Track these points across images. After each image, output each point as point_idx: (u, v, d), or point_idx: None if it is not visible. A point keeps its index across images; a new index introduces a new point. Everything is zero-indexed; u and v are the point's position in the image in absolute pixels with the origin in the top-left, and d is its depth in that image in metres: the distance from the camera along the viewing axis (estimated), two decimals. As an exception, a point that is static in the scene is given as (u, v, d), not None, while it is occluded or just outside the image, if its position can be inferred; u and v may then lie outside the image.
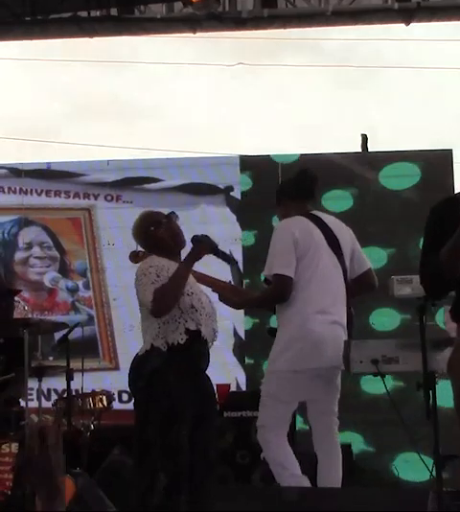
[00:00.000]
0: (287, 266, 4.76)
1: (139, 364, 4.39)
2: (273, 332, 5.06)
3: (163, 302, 4.27)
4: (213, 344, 4.44)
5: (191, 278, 4.42)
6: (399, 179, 8.09)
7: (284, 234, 4.86)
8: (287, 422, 4.89)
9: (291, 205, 5.04)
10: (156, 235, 4.54)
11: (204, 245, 4.41)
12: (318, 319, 4.79)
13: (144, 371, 4.34)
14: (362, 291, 5.13)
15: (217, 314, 4.47)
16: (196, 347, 4.32)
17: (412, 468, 6.52)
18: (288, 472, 4.75)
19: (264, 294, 5.12)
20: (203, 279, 4.95)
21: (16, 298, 6.94)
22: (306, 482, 4.72)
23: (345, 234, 5.06)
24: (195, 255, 4.37)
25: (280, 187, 5.31)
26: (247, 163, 8.27)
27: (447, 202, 3.84)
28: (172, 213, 4.58)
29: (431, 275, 3.59)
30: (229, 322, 7.69)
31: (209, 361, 4.42)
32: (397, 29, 7.88)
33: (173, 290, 4.29)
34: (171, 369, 4.29)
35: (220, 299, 5.01)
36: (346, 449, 5.86)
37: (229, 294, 5.02)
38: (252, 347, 7.77)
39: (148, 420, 4.31)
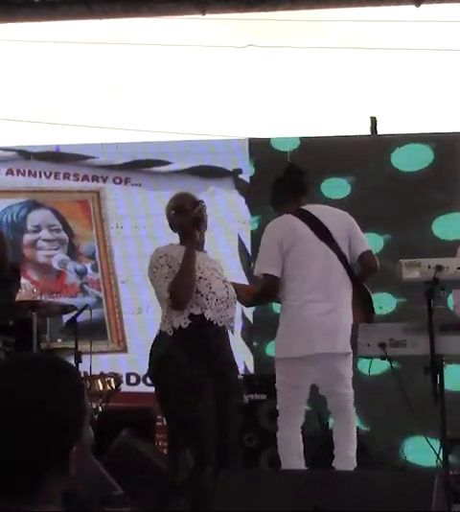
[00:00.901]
0: (273, 265, 5.00)
1: (150, 350, 4.50)
2: None
3: (179, 297, 4.36)
4: (228, 329, 4.51)
5: (202, 263, 4.45)
6: (411, 160, 8.07)
7: (268, 235, 5.11)
8: (298, 406, 4.98)
9: (286, 206, 5.18)
10: (176, 220, 4.56)
11: (186, 222, 4.44)
12: (309, 308, 4.91)
13: (152, 356, 4.41)
14: (365, 275, 5.17)
15: (233, 301, 4.54)
16: (201, 330, 4.34)
17: (420, 452, 6.52)
18: (294, 460, 4.89)
19: (255, 293, 5.33)
20: None
21: (24, 280, 6.94)
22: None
23: (338, 221, 5.14)
24: (191, 237, 4.37)
25: (271, 197, 5.41)
26: (255, 146, 8.25)
27: None
28: (201, 201, 4.58)
29: None
30: (237, 306, 7.69)
31: (224, 344, 4.47)
32: (407, 10, 7.84)
33: (185, 280, 4.35)
34: (177, 352, 4.32)
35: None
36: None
37: (243, 294, 5.21)
38: (260, 331, 7.77)
39: (161, 402, 4.41)
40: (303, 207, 5.15)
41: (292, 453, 4.88)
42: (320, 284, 4.95)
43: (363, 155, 8.14)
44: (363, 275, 5.15)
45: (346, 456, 4.97)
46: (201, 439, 4.30)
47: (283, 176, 5.35)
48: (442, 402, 4.26)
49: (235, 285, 4.91)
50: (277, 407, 5.00)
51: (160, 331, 4.44)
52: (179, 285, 4.34)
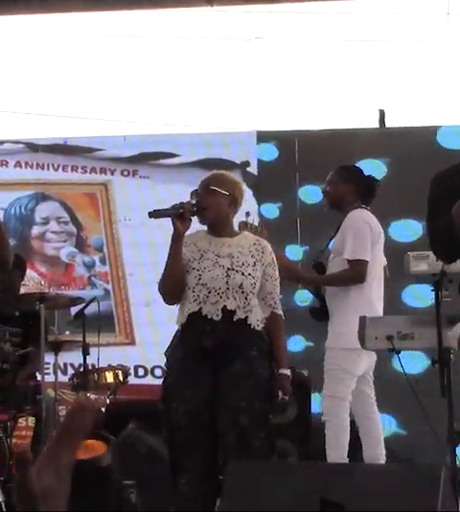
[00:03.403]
0: (368, 251, 5.26)
1: None
2: (315, 311, 5.52)
3: (162, 291, 4.31)
4: (232, 319, 4.18)
5: (207, 250, 4.28)
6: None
7: (364, 223, 5.32)
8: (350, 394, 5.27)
9: (356, 201, 5.44)
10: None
11: (164, 215, 4.27)
12: (378, 306, 5.33)
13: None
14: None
15: (235, 291, 4.20)
16: (195, 326, 4.20)
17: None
18: (344, 455, 5.11)
19: (341, 275, 5.35)
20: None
21: (33, 273, 6.96)
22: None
23: None
24: (174, 229, 4.21)
25: (357, 180, 5.55)
26: (263, 139, 8.24)
27: (452, 171, 3.76)
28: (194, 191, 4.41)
29: (443, 237, 3.35)
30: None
31: (227, 338, 4.16)
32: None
33: (165, 275, 4.26)
34: (170, 350, 4.32)
35: (287, 275, 5.17)
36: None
37: (296, 269, 5.48)
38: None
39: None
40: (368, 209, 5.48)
41: (347, 437, 5.15)
42: (381, 283, 5.39)
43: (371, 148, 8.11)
44: None
45: (369, 457, 5.17)
46: (174, 446, 4.19)
47: (365, 175, 5.58)
48: (449, 394, 4.25)
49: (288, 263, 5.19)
50: (334, 395, 5.18)
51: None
52: (161, 280, 4.27)
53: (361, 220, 5.34)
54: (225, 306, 4.19)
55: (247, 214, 5.65)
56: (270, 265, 4.34)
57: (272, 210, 8.04)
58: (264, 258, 4.32)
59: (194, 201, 4.29)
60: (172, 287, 4.26)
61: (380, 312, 5.34)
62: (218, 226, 4.35)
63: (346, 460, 5.05)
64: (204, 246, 4.30)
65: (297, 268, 5.46)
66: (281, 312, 4.39)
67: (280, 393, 4.21)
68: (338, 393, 5.19)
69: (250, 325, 4.21)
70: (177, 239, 4.20)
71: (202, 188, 4.38)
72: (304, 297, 7.44)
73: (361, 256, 5.23)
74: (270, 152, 8.24)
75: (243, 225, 5.35)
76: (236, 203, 4.42)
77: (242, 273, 4.21)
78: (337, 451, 5.11)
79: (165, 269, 4.25)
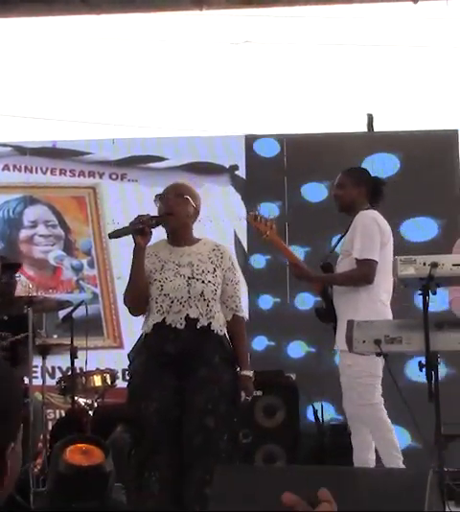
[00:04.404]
0: (376, 251, 5.22)
1: None
2: (321, 312, 5.50)
3: (127, 305, 4.41)
4: (196, 326, 4.24)
5: (167, 260, 4.33)
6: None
7: (374, 223, 5.29)
8: None
9: (367, 203, 5.42)
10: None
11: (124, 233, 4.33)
12: (388, 307, 5.30)
13: None
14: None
15: (197, 299, 4.25)
16: (160, 334, 4.26)
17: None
18: (400, 455, 5.13)
19: (350, 274, 5.33)
20: (278, 243, 5.46)
21: (20, 276, 6.94)
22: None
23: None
24: (135, 244, 4.26)
25: (364, 180, 5.52)
26: (252, 143, 8.25)
27: None
28: (159, 195, 4.48)
29: None
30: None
31: (191, 346, 4.22)
32: (403, 7, 7.84)
33: (129, 290, 4.34)
34: (134, 355, 4.39)
35: (296, 273, 5.36)
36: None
37: (305, 268, 5.40)
38: (254, 327, 7.76)
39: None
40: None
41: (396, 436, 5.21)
42: (389, 289, 5.34)
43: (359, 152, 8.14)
44: None
45: (359, 461, 5.19)
46: (143, 445, 4.24)
47: (372, 176, 5.54)
48: (436, 398, 4.26)
49: (293, 257, 5.32)
50: (370, 402, 5.15)
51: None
52: (125, 293, 4.37)
53: (371, 219, 5.32)
54: (188, 314, 4.26)
55: (257, 206, 5.69)
56: (230, 269, 4.43)
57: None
58: (223, 263, 4.40)
59: (151, 214, 4.33)
60: (137, 300, 4.34)
61: (390, 314, 5.32)
62: (179, 235, 4.43)
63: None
64: (165, 257, 4.37)
65: (305, 267, 5.44)
66: (243, 314, 4.52)
67: (243, 394, 4.33)
68: (374, 399, 5.19)
69: (213, 331, 4.30)
70: (139, 253, 4.28)
71: (173, 194, 4.44)
72: (304, 301, 7.53)
73: (370, 256, 5.21)
74: (258, 156, 8.25)
75: (253, 218, 5.35)
76: (197, 216, 4.50)
77: (203, 281, 4.30)
78: (392, 450, 5.14)
79: (129, 283, 4.33)
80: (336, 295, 5.41)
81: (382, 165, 7.78)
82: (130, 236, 4.27)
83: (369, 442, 5.27)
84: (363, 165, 7.11)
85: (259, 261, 7.98)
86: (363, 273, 5.23)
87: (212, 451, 4.14)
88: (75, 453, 5.27)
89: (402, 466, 5.17)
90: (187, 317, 4.25)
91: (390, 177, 7.56)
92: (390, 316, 5.30)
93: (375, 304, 5.23)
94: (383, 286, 5.29)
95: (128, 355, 4.51)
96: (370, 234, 5.25)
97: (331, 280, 5.52)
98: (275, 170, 8.13)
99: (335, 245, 5.68)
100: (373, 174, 5.60)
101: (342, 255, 5.46)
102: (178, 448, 4.20)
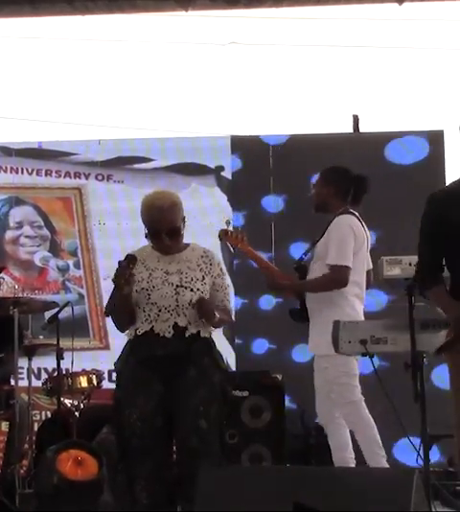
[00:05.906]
0: (350, 258, 5.31)
1: None
2: (295, 313, 5.62)
3: (113, 322, 4.37)
4: (184, 335, 4.22)
5: (158, 268, 4.28)
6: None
7: (348, 230, 5.37)
8: None
9: (341, 202, 5.49)
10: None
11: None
12: (360, 309, 5.41)
13: None
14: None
15: (185, 307, 4.22)
16: (147, 340, 4.23)
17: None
18: (383, 452, 5.22)
19: (323, 281, 5.40)
20: (250, 253, 5.66)
21: (5, 276, 6.93)
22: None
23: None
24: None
25: (341, 183, 5.57)
26: (238, 144, 8.26)
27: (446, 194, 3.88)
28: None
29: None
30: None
31: (173, 352, 4.19)
32: (390, 8, 7.86)
33: (114, 313, 4.27)
34: (121, 361, 4.38)
35: (269, 284, 5.56)
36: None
37: (275, 276, 5.52)
38: (242, 328, 7.77)
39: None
40: (354, 212, 5.53)
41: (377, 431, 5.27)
42: (362, 286, 5.47)
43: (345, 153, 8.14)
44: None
45: (338, 460, 5.27)
46: (127, 453, 4.22)
47: (353, 174, 5.57)
48: (422, 399, 4.28)
49: (264, 264, 5.45)
50: (350, 400, 5.27)
51: None
52: (110, 313, 4.27)
53: (346, 226, 5.38)
54: (176, 323, 4.23)
55: (227, 222, 5.74)
56: (219, 275, 4.41)
57: (239, 218, 8.02)
58: (212, 270, 4.36)
59: (125, 263, 4.16)
60: (123, 322, 4.33)
61: (362, 315, 5.40)
62: (173, 247, 4.37)
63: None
64: (153, 264, 4.33)
65: (279, 273, 5.49)
66: (232, 318, 4.66)
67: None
68: (354, 397, 5.30)
69: (202, 337, 4.29)
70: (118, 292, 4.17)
71: (178, 214, 4.35)
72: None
73: (344, 262, 5.30)
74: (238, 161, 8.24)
75: (224, 233, 5.45)
76: (184, 223, 4.42)
77: (192, 289, 4.26)
78: (374, 447, 5.19)
79: (113, 307, 4.19)
80: (309, 298, 5.50)
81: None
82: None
83: (345, 441, 5.31)
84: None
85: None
86: (337, 279, 5.32)
87: (207, 452, 4.12)
88: (69, 463, 5.22)
89: (385, 463, 5.21)
90: (175, 326, 4.22)
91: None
92: (362, 317, 5.37)
93: (347, 305, 5.33)
94: (355, 289, 5.40)
95: (115, 364, 4.46)
96: (344, 240, 5.33)
97: (304, 287, 5.59)
98: (261, 171, 8.13)
99: (310, 249, 5.70)
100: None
101: (316, 257, 5.50)
102: (165, 453, 4.22)
